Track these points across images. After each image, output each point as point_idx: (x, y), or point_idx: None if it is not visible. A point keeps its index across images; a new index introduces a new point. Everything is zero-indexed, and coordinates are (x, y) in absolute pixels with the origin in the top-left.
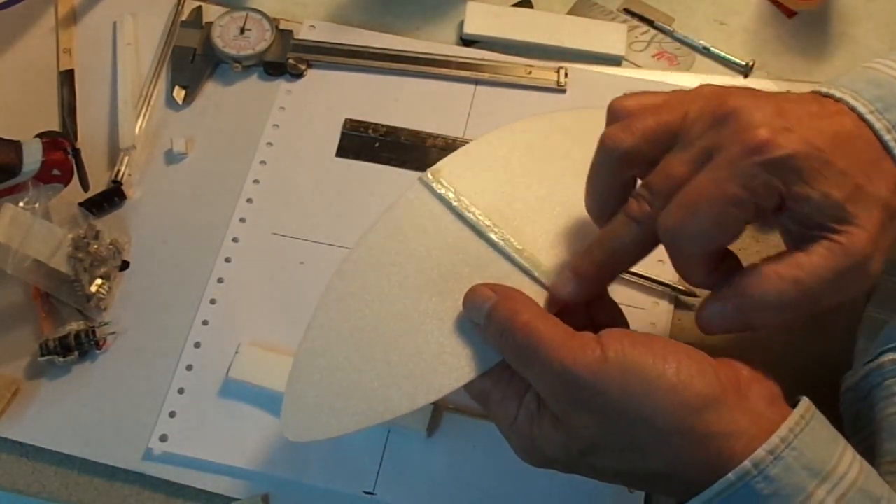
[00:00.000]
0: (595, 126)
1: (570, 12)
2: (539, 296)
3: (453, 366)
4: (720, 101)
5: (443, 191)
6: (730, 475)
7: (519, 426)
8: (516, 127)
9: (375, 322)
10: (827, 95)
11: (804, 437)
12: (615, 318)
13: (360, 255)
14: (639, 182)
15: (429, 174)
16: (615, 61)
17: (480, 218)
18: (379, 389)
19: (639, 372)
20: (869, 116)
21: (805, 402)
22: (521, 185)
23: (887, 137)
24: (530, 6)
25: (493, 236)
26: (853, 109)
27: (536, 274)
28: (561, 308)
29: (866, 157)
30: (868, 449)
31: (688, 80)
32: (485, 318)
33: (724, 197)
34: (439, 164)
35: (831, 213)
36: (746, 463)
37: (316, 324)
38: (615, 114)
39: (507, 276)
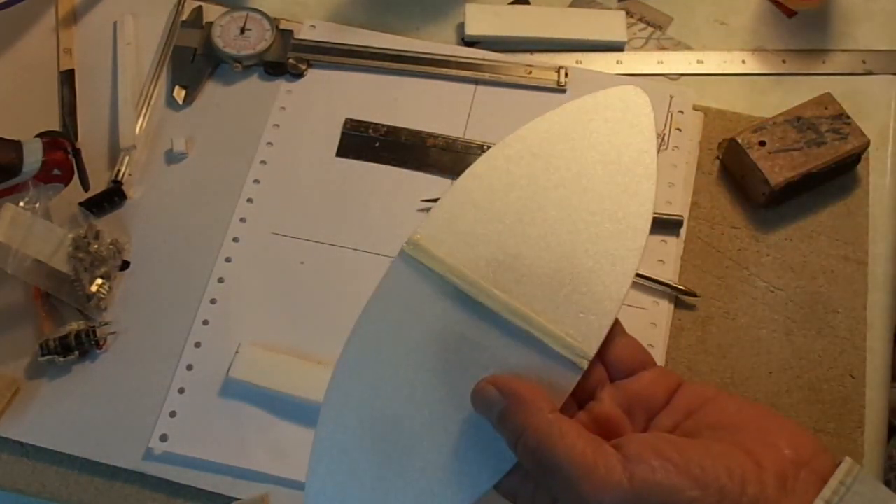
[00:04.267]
0: (563, 129)
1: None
2: (550, 368)
3: (471, 474)
4: None
5: (427, 262)
6: None
7: None
8: (492, 157)
9: (381, 432)
10: None
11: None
12: (634, 355)
13: (351, 357)
14: None
15: (408, 246)
16: (618, 47)
17: (473, 285)
18: (405, 496)
19: (671, 500)
20: None
21: (845, 465)
22: (512, 226)
23: None
24: (527, 2)
25: (490, 304)
26: None
27: (545, 340)
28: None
29: None
30: None
31: (684, 80)
32: (496, 422)
33: None
34: (418, 230)
35: None
36: None
37: (320, 439)
38: None
39: (513, 350)
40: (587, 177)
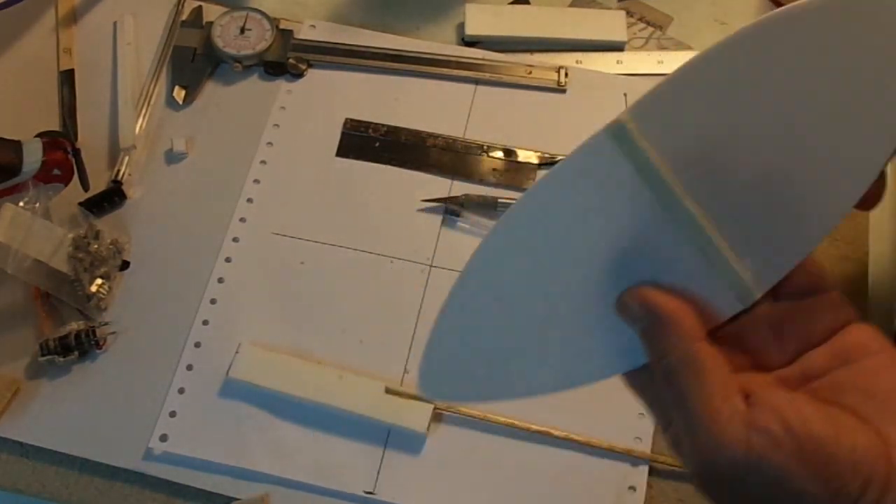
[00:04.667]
0: (836, 17)
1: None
2: (713, 291)
3: (606, 357)
4: None
5: (626, 148)
6: None
7: (667, 438)
8: (736, 43)
9: (528, 295)
10: None
11: None
12: (808, 278)
13: (518, 220)
14: None
15: (613, 127)
16: (618, 47)
17: (666, 186)
18: (525, 368)
19: (781, 483)
20: None
21: None
22: (732, 124)
23: None
24: (528, 2)
25: (675, 210)
26: None
27: (718, 267)
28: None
29: None
30: None
31: None
32: (640, 335)
33: None
34: (629, 110)
35: None
36: None
37: (466, 282)
38: None
39: (680, 263)
40: (845, 75)
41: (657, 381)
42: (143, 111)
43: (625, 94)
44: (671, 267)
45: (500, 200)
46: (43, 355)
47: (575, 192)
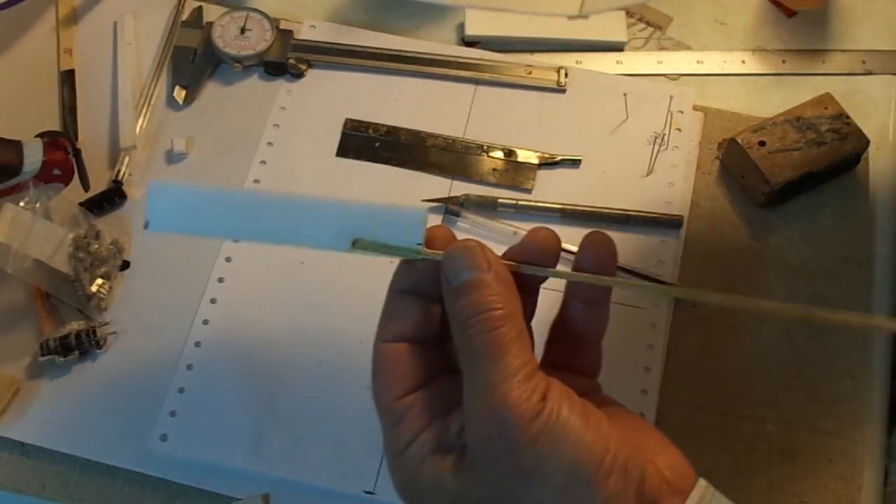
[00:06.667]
0: None
1: None
2: None
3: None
4: None
5: None
6: None
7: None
8: None
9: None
10: None
11: None
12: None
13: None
14: None
15: None
16: (618, 47)
17: None
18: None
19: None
20: None
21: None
22: None
23: None
24: None
25: None
26: None
27: None
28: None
29: None
30: None
31: (684, 80)
32: (454, 289)
33: None
34: None
35: None
36: None
37: None
38: None
39: None
40: None
41: (456, 344)
42: (144, 111)
43: (625, 95)
44: None
45: (500, 200)
46: (43, 355)
47: None
